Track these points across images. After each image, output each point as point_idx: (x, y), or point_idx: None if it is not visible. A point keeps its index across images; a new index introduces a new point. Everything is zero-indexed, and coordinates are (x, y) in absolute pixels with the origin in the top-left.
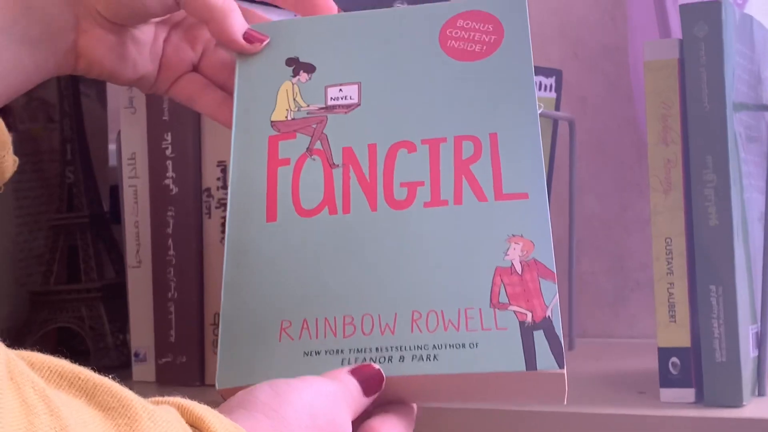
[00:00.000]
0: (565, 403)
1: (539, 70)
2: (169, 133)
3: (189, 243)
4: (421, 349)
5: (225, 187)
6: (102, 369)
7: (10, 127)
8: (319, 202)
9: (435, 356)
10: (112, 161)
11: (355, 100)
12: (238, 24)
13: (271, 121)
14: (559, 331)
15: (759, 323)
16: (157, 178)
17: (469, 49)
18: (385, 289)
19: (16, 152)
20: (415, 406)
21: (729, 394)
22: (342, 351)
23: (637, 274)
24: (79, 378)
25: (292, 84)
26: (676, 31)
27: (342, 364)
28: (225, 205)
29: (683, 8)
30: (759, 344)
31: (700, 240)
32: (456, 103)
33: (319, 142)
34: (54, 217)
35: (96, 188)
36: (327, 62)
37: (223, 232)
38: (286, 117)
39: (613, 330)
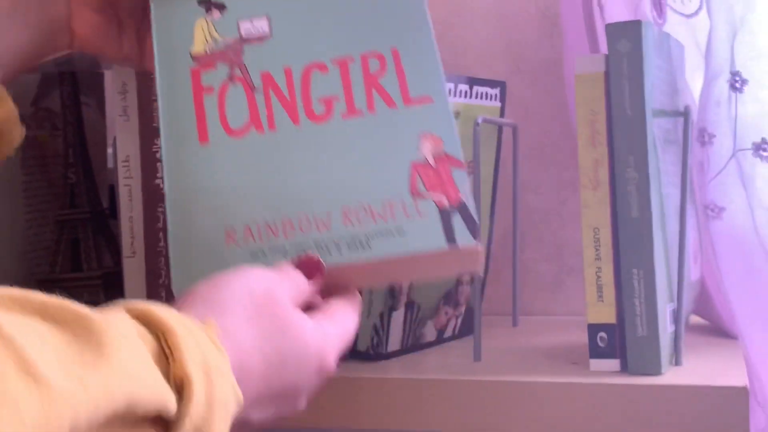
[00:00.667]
0: (481, 274)
1: (486, 82)
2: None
3: None
4: (355, 239)
5: None
6: None
7: None
8: (245, 122)
9: (368, 244)
10: (110, 164)
11: (266, 31)
12: None
13: (191, 55)
14: (474, 212)
15: (675, 302)
16: (148, 178)
17: None
18: (317, 191)
19: (25, 156)
20: (357, 292)
21: (649, 363)
22: (285, 248)
23: (572, 261)
24: (29, 299)
25: (206, 21)
26: (604, 47)
27: (286, 259)
28: None
29: (608, 27)
30: (675, 320)
31: (623, 230)
32: (358, 23)
33: (238, 69)
34: (59, 213)
35: (95, 188)
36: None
37: None
38: (205, 51)
39: (552, 309)
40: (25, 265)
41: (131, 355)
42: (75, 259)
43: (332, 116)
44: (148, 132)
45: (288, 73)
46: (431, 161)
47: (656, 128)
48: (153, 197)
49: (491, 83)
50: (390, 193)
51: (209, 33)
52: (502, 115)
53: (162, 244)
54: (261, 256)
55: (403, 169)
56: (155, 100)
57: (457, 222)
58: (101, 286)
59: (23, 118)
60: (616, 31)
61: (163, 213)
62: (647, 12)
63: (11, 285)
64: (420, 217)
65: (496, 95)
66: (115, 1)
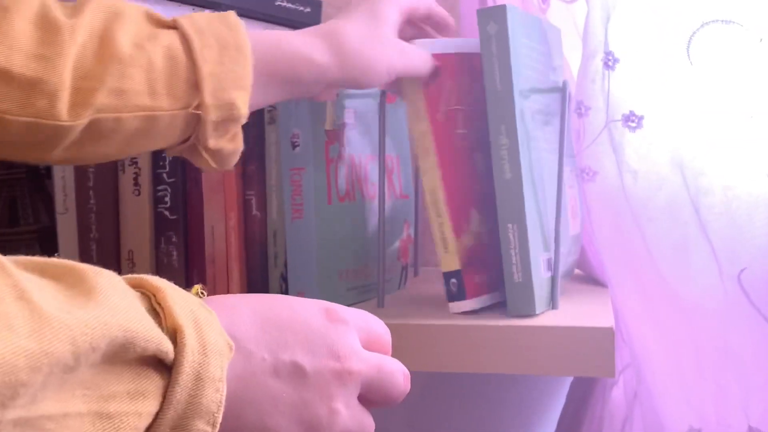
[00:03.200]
0: None
1: None
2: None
3: (106, 193)
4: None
5: None
6: None
7: None
8: (346, 192)
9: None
10: None
11: (353, 122)
12: None
13: (325, 130)
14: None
15: (552, 252)
16: None
17: None
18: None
19: None
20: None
21: (524, 306)
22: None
23: None
24: (30, 260)
25: (330, 102)
26: None
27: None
28: (136, 163)
29: (478, 11)
30: (553, 268)
31: (499, 189)
32: (395, 132)
33: (343, 148)
34: None
35: None
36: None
37: (135, 185)
38: (332, 128)
39: None
40: None
41: (123, 298)
42: (12, 215)
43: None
44: None
45: (361, 157)
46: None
47: (532, 103)
48: None
49: None
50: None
51: (332, 114)
52: None
53: (92, 201)
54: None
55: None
56: None
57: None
58: (36, 241)
59: None
60: (484, 14)
61: (93, 173)
62: None
63: None
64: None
65: None
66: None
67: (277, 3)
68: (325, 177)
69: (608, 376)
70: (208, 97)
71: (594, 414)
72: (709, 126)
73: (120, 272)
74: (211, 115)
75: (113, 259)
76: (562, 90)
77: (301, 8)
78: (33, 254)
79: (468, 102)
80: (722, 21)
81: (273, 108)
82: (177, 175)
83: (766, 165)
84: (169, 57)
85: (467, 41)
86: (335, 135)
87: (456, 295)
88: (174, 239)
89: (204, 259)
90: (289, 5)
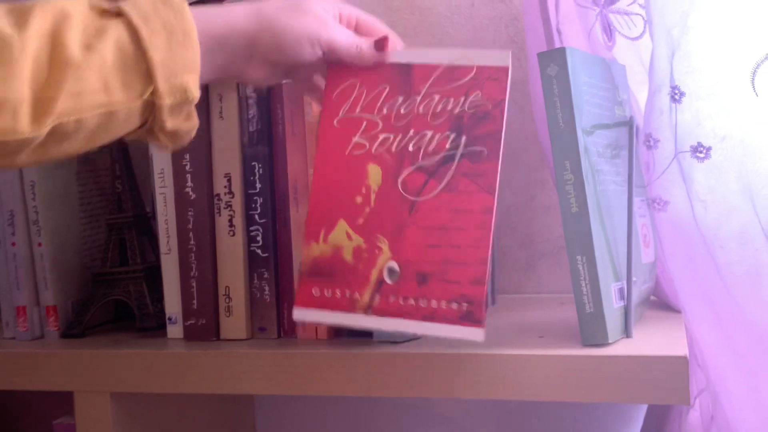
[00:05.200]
0: None
1: None
2: (188, 154)
3: (204, 235)
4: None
5: (230, 193)
6: (143, 330)
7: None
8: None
9: None
10: None
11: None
12: None
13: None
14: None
15: (624, 281)
16: (179, 186)
17: None
18: None
19: (80, 170)
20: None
21: (597, 336)
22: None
23: (541, 246)
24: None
25: None
26: None
27: None
28: (230, 206)
29: (539, 55)
30: (624, 297)
31: (566, 223)
32: None
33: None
34: (108, 217)
35: (139, 195)
36: None
37: (230, 226)
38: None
39: (524, 288)
40: (82, 261)
41: None
42: (122, 255)
43: None
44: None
45: None
46: None
47: (598, 138)
48: (183, 203)
49: None
50: None
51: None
52: None
53: (192, 242)
54: None
55: None
56: None
57: None
58: (143, 279)
59: None
60: (545, 57)
61: (192, 216)
62: (599, 36)
63: (70, 277)
64: None
65: None
66: (292, 70)
67: None
68: None
69: (683, 403)
70: (162, 84)
71: None
72: None
73: (218, 308)
74: (166, 101)
75: (211, 294)
76: (628, 124)
77: None
78: (140, 291)
79: (381, 113)
80: None
81: None
82: (268, 216)
83: None
84: (118, 50)
85: (427, 54)
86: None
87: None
88: (266, 275)
89: (293, 293)
90: None
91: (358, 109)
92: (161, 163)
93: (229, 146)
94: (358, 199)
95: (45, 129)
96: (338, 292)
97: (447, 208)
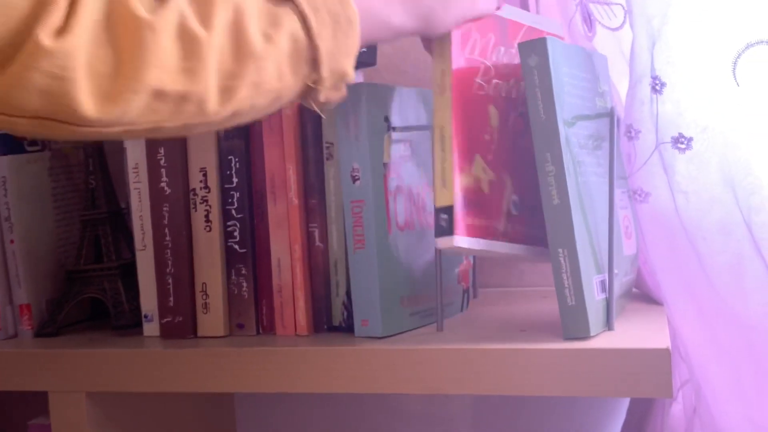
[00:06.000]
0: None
1: None
2: (162, 148)
3: (180, 230)
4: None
5: (206, 188)
6: (119, 328)
7: (44, 146)
8: (405, 221)
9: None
10: None
11: (409, 153)
12: None
13: (383, 163)
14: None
15: (606, 274)
16: (154, 182)
17: None
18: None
19: (52, 166)
20: None
21: (579, 329)
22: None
23: None
24: None
25: (388, 137)
26: None
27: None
28: (206, 201)
29: (519, 45)
30: (606, 290)
31: (547, 215)
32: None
33: (401, 179)
34: (82, 214)
35: (113, 191)
36: (397, 123)
37: (207, 221)
38: (388, 162)
39: (506, 282)
40: (56, 258)
41: None
42: (97, 252)
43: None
44: (153, 143)
45: (418, 188)
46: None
47: (579, 129)
48: (158, 198)
49: None
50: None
51: (389, 147)
52: None
53: (168, 238)
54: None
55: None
56: None
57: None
58: (118, 276)
59: None
60: (526, 47)
61: (168, 212)
62: (579, 26)
63: (44, 275)
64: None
65: None
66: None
67: None
68: (384, 208)
69: (666, 396)
70: (325, 71)
71: (654, 430)
72: (759, 145)
73: (195, 305)
74: (326, 84)
75: (188, 291)
76: (609, 115)
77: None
78: (115, 288)
79: (491, 60)
80: (767, 42)
81: (330, 144)
82: (245, 211)
83: None
84: (292, 40)
85: (514, 12)
86: (395, 167)
87: (445, 230)
88: (244, 271)
89: (272, 289)
90: None
91: (476, 53)
92: (135, 157)
93: (205, 139)
94: (486, 137)
95: (226, 114)
96: (485, 221)
97: None
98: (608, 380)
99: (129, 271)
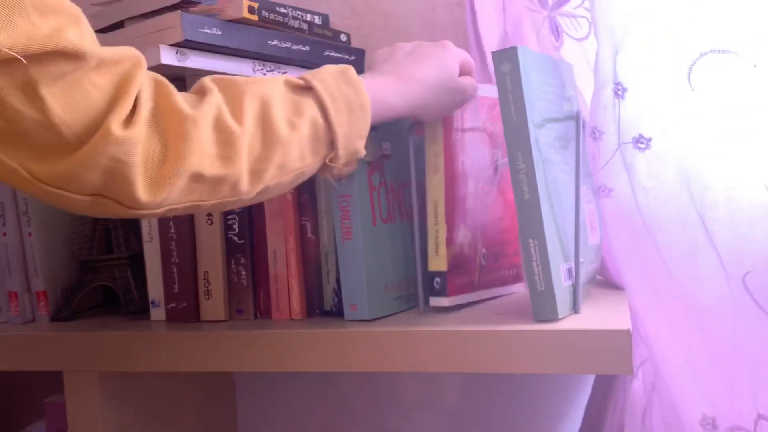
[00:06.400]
0: None
1: None
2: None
3: (184, 223)
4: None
5: None
6: (128, 313)
7: None
8: (387, 214)
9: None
10: None
11: (389, 152)
12: None
13: (367, 162)
14: None
15: (572, 262)
16: None
17: None
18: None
19: None
20: None
21: (548, 312)
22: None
23: None
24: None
25: (371, 136)
26: None
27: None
28: None
29: (493, 53)
30: (573, 277)
31: (519, 209)
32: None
33: (383, 176)
34: None
35: None
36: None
37: (208, 215)
38: (372, 159)
39: None
40: (70, 249)
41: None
42: (108, 243)
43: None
44: None
45: (393, 184)
46: None
47: (548, 130)
48: None
49: None
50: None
51: (373, 147)
52: None
53: (173, 230)
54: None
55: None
56: None
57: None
58: (128, 265)
59: None
60: (499, 56)
61: None
62: (547, 37)
63: (59, 265)
64: None
65: None
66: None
67: (326, 53)
68: (369, 202)
69: (627, 373)
70: (342, 151)
71: (617, 404)
72: (711, 145)
73: (198, 292)
74: (342, 162)
75: (191, 279)
76: (575, 118)
77: (347, 57)
78: (125, 277)
79: (470, 126)
80: (719, 51)
81: None
82: None
83: (764, 177)
84: (312, 125)
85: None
86: (376, 165)
87: (438, 291)
88: (242, 261)
89: (268, 277)
90: (336, 55)
91: (461, 123)
92: None
93: None
94: (467, 205)
95: (255, 192)
96: (466, 278)
97: (501, 205)
98: (575, 359)
99: (137, 261)
